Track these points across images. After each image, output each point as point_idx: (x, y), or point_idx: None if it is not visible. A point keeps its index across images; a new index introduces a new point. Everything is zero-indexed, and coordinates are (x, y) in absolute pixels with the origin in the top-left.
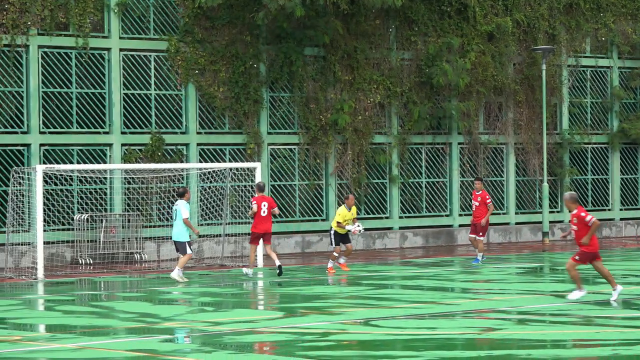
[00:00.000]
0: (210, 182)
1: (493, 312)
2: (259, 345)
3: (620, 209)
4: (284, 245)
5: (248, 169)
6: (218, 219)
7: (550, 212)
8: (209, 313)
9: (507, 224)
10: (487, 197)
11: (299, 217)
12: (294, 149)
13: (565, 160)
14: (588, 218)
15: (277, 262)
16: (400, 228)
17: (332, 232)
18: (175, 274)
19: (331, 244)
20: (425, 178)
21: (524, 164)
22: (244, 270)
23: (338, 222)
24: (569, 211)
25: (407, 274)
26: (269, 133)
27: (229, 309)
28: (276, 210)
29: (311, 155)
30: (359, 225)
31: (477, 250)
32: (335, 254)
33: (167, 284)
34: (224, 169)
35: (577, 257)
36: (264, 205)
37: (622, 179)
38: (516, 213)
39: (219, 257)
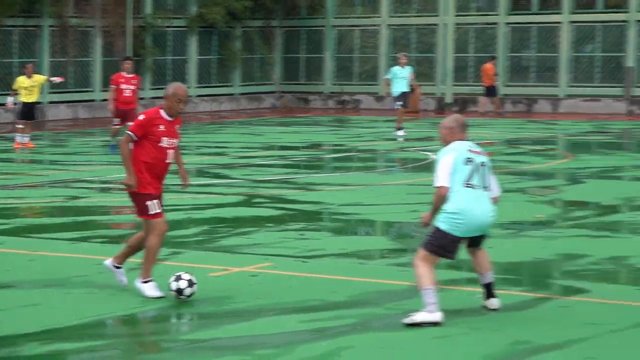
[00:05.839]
0: None
1: (78, 182)
2: None
3: (196, 87)
4: None
5: None
6: None
7: None
8: None
9: (93, 100)
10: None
11: None
12: None
13: (147, 42)
14: None
15: None
16: None
17: None
18: None
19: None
20: (17, 59)
21: (110, 45)
22: None
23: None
24: None
25: None
26: None
27: None
28: None
29: None
30: None
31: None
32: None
33: None
34: None
35: None
36: None
37: (198, 59)
38: (101, 91)
39: None
